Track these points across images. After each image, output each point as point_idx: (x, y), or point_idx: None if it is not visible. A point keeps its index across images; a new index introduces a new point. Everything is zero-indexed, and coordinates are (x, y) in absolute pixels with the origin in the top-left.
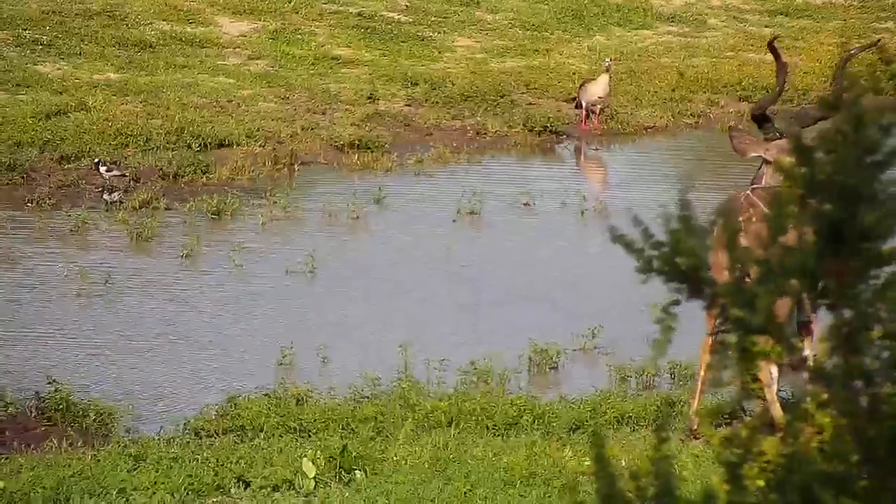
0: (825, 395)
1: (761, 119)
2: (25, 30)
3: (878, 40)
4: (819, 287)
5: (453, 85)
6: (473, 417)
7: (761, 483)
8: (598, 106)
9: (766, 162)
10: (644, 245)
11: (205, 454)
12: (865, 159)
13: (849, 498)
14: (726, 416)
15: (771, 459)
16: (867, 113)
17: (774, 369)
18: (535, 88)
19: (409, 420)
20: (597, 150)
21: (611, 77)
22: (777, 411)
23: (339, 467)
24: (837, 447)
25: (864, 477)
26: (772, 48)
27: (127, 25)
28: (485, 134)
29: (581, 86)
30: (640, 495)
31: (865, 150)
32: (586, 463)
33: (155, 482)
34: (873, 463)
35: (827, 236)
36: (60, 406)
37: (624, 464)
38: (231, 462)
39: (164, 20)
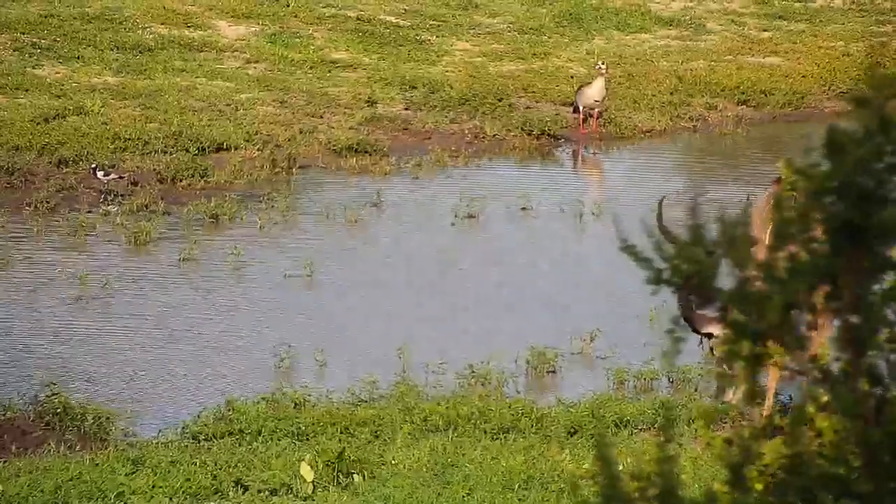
0: (825, 398)
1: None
2: (24, 34)
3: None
4: (828, 290)
5: (451, 88)
6: (471, 421)
7: (759, 486)
8: (596, 109)
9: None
10: (654, 255)
11: (203, 458)
12: (886, 161)
13: (850, 501)
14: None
15: (769, 463)
16: (892, 115)
17: (777, 372)
18: (534, 92)
19: (407, 424)
20: (595, 153)
21: (606, 80)
22: (760, 413)
23: (337, 471)
24: (839, 450)
25: (867, 480)
26: (661, 229)
27: (125, 29)
28: (483, 137)
29: (577, 90)
30: (642, 495)
31: (888, 152)
32: (584, 466)
33: (153, 486)
34: (876, 466)
35: (841, 237)
36: (58, 410)
37: (622, 467)
38: (229, 466)
39: (162, 24)
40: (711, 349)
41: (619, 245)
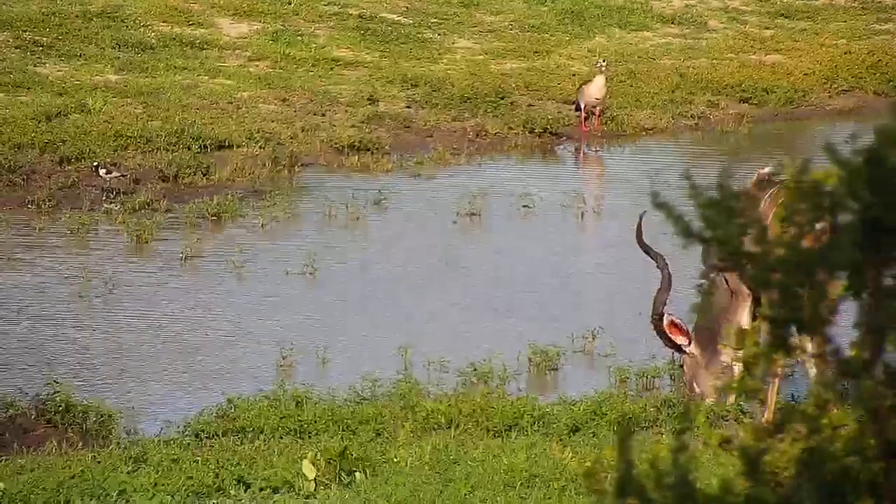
0: (829, 396)
1: (660, 320)
2: (25, 31)
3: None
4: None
5: (453, 86)
6: (473, 419)
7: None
8: (597, 107)
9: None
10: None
11: (205, 456)
12: None
13: (868, 496)
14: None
15: (772, 462)
16: None
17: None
18: (536, 90)
19: (409, 421)
20: (597, 151)
21: (606, 78)
22: (770, 413)
23: (339, 469)
24: (857, 445)
25: (885, 475)
26: (642, 247)
27: (127, 27)
28: (485, 135)
29: (578, 88)
30: (657, 484)
31: None
32: (587, 464)
33: (155, 484)
34: (892, 462)
35: (871, 232)
36: (60, 408)
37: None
38: (231, 464)
39: (164, 22)
40: (682, 365)
41: (652, 201)
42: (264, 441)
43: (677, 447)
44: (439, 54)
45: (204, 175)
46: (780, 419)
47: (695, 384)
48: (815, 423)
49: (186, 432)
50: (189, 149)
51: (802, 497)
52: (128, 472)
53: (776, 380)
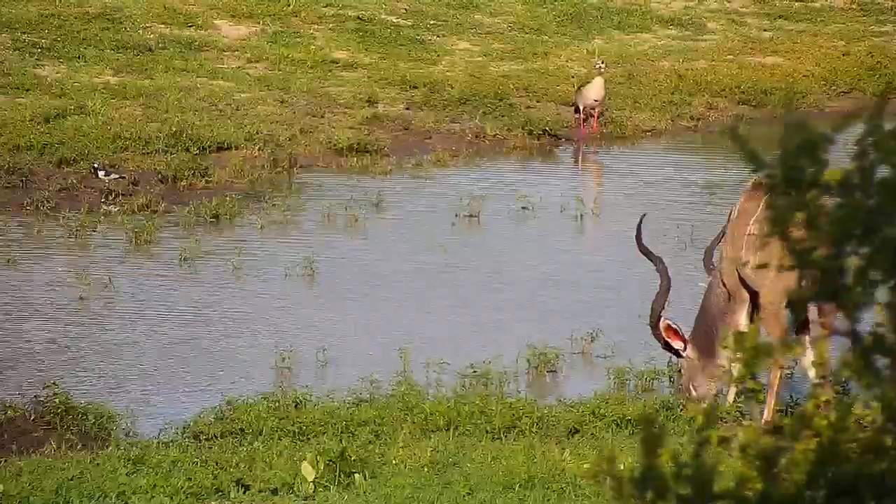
0: (824, 398)
1: (658, 324)
2: (24, 33)
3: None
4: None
5: (452, 88)
6: (472, 420)
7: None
8: (596, 109)
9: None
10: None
11: (204, 457)
12: None
13: (880, 495)
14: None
15: (782, 459)
16: None
17: (779, 371)
18: (534, 92)
19: (408, 423)
20: (595, 153)
21: (605, 80)
22: (770, 413)
23: (339, 470)
24: (878, 444)
25: None
26: (642, 250)
27: (126, 29)
28: (483, 137)
29: (577, 90)
30: (678, 476)
31: None
32: (585, 466)
33: (154, 485)
34: None
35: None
36: (59, 409)
37: (623, 466)
38: (230, 465)
39: (162, 23)
40: (680, 370)
41: (727, 133)
42: (263, 443)
43: (699, 441)
44: (438, 56)
45: (203, 176)
46: (799, 421)
47: (692, 387)
48: (834, 424)
49: (185, 434)
50: (188, 150)
51: (815, 495)
52: (127, 474)
53: (776, 380)
